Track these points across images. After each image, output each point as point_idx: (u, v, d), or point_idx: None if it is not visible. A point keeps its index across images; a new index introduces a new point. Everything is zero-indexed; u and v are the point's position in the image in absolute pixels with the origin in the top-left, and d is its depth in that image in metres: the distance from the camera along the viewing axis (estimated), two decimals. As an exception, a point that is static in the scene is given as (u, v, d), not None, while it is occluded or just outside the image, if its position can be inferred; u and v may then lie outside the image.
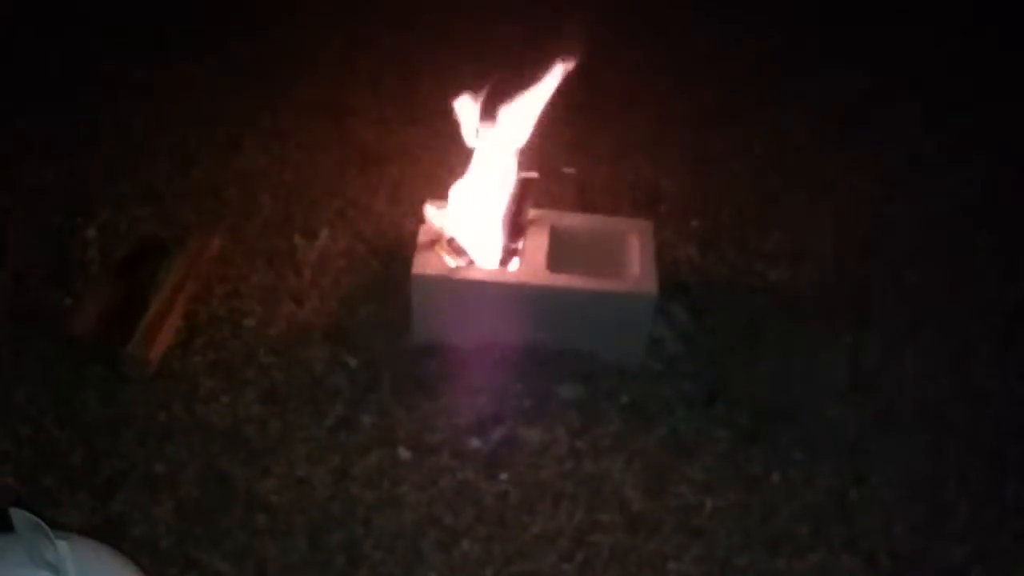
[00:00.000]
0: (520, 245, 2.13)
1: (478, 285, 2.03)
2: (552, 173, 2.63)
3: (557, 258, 2.13)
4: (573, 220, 2.22)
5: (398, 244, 2.36)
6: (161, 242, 2.30)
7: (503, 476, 1.93)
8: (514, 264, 2.12)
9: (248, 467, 1.90)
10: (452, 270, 2.04)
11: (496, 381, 2.09)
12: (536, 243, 2.13)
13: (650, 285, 2.05)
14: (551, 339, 2.13)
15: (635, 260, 2.11)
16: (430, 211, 2.09)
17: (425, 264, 2.05)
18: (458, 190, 2.09)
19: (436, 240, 2.08)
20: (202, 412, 1.99)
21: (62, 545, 1.28)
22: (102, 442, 1.92)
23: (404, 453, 1.95)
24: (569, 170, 2.73)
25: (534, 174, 2.13)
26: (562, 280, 2.04)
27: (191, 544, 1.77)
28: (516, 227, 2.14)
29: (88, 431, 1.94)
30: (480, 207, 2.08)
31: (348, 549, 1.78)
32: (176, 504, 1.83)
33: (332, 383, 2.07)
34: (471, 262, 2.07)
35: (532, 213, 2.18)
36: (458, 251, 2.07)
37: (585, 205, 2.58)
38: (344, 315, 2.22)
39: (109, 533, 1.71)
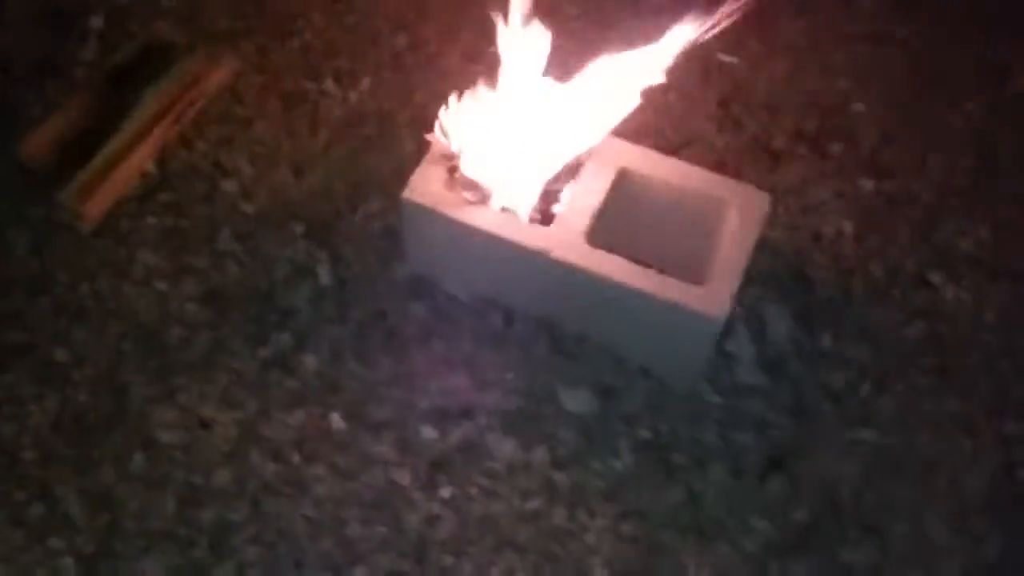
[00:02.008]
0: (564, 191, 1.51)
1: (482, 236, 1.45)
2: (700, 59, 1.90)
3: (611, 219, 1.49)
4: (655, 165, 1.52)
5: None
6: (168, 50, 1.84)
7: (444, 492, 1.46)
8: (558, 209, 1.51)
9: (152, 385, 1.54)
10: (454, 205, 1.47)
11: (486, 357, 1.57)
12: (588, 191, 1.49)
13: (721, 302, 1.39)
14: (575, 322, 1.56)
15: (722, 251, 1.44)
16: (447, 119, 1.47)
17: (422, 188, 1.48)
18: (486, 98, 1.46)
19: (448, 162, 1.49)
20: (129, 296, 1.62)
21: None
22: (10, 303, 1.61)
23: (337, 422, 1.51)
24: (728, 58, 1.97)
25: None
26: (600, 263, 1.42)
27: (54, 467, 1.47)
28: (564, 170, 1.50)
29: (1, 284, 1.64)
30: (516, 130, 1.45)
31: (218, 533, 1.42)
32: (58, 408, 1.52)
33: (290, 300, 1.62)
34: (486, 198, 1.48)
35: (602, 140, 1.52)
36: (470, 186, 1.48)
37: (719, 123, 1.85)
38: (341, 208, 1.72)
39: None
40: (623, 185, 1.50)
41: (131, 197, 1.72)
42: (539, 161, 1.46)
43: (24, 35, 1.90)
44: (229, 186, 1.74)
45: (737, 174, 1.77)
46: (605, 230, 1.48)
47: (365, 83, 1.88)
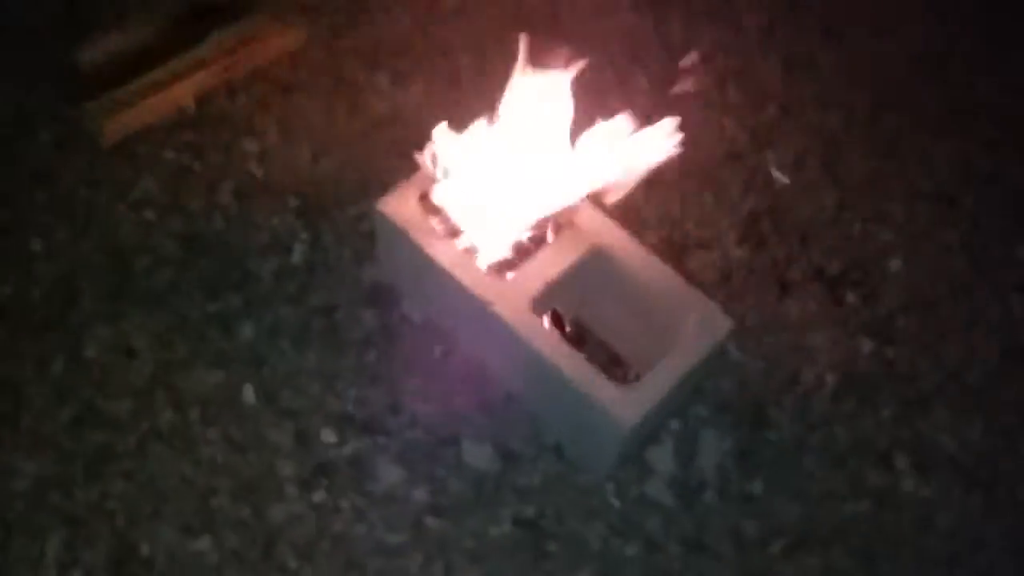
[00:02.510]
0: (538, 244, 1.48)
1: (435, 268, 1.43)
2: (751, 165, 1.84)
3: (570, 290, 1.46)
4: (631, 253, 1.47)
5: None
6: (251, 2, 1.91)
7: (317, 497, 1.45)
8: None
9: (101, 301, 1.59)
10: (421, 227, 1.46)
11: (411, 382, 1.55)
12: (555, 256, 1.45)
13: (635, 409, 1.32)
14: (507, 378, 1.52)
15: (664, 360, 1.38)
16: (439, 144, 1.46)
17: (397, 203, 1.48)
18: (479, 133, 1.45)
19: (429, 185, 1.48)
20: (118, 214, 1.68)
21: None
22: (9, 184, 1.70)
23: (248, 395, 1.53)
24: (780, 175, 1.89)
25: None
26: (533, 331, 1.38)
27: (-20, 344, 1.54)
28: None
29: (11, 163, 1.73)
30: (502, 171, 1.44)
31: (97, 457, 1.45)
32: (10, 292, 1.59)
33: (256, 266, 1.65)
34: (455, 231, 1.47)
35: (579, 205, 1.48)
36: (440, 216, 1.47)
37: (743, 235, 1.78)
38: (341, 198, 1.73)
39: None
40: (591, 261, 1.46)
41: (159, 127, 1.79)
42: (512, 212, 1.43)
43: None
44: (249, 145, 1.79)
45: (740, 292, 1.71)
46: (560, 299, 1.45)
47: (416, 88, 1.90)
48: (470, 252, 1.46)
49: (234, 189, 1.74)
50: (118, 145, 1.75)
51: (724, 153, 1.90)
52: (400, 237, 1.46)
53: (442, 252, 1.44)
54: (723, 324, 1.41)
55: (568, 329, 1.60)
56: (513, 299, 1.40)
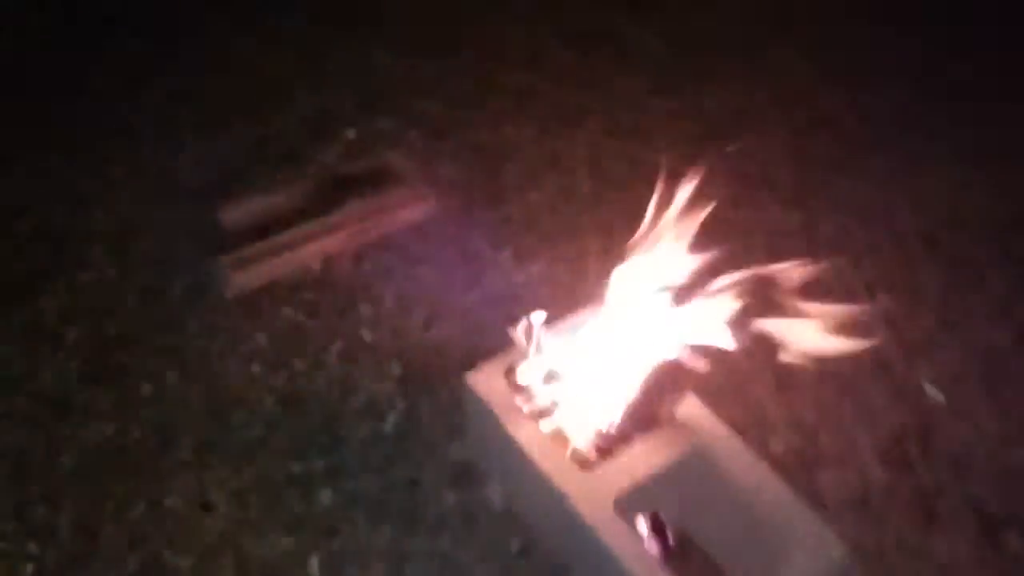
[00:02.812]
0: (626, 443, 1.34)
1: (516, 449, 1.32)
2: (900, 377, 1.65)
3: (665, 490, 1.30)
4: (737, 460, 1.30)
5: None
6: (390, 177, 1.98)
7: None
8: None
9: (194, 452, 1.58)
10: (506, 404, 1.36)
11: (484, 573, 1.41)
12: (646, 451, 1.31)
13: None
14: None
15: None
16: (535, 325, 1.39)
17: (487, 378, 1.40)
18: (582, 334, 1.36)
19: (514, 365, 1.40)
20: (227, 365, 1.70)
21: None
22: (132, 327, 1.76)
23: (312, 570, 1.43)
24: (935, 392, 1.67)
25: (696, 364, 1.28)
26: (613, 535, 1.23)
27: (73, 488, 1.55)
28: (641, 418, 1.34)
29: (144, 309, 1.80)
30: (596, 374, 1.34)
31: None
32: (111, 433, 1.60)
33: (347, 431, 1.59)
34: (543, 413, 1.36)
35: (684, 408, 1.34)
36: (526, 395, 1.37)
37: (884, 454, 1.56)
38: (444, 369, 1.67)
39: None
40: (691, 462, 1.30)
41: (284, 284, 1.83)
42: (601, 396, 1.32)
43: (288, 126, 2.15)
44: (365, 310, 1.79)
45: (879, 515, 1.49)
46: (656, 502, 1.29)
47: (537, 267, 1.87)
48: (557, 439, 1.34)
49: (341, 351, 1.72)
50: (242, 299, 1.80)
51: (871, 361, 1.71)
52: (484, 412, 1.37)
53: (524, 433, 1.33)
54: (836, 553, 1.20)
55: (671, 541, 1.43)
56: (595, 494, 1.26)
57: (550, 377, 1.35)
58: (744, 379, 1.67)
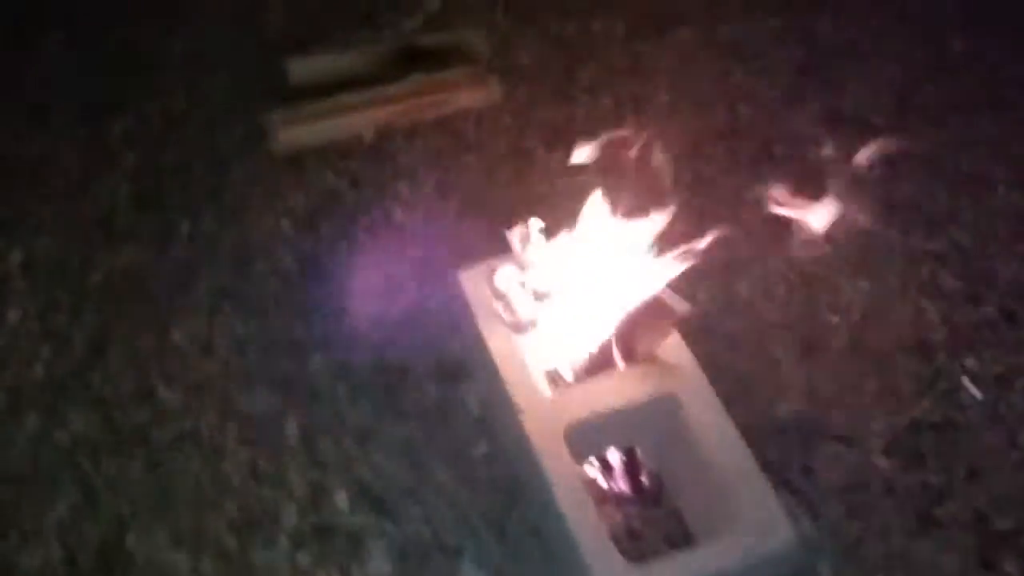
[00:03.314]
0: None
1: (487, 354, 1.30)
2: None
3: (629, 430, 1.25)
4: (701, 406, 1.23)
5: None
6: (463, 55, 1.91)
7: (302, 558, 1.35)
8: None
9: (209, 296, 1.63)
10: (487, 307, 1.33)
11: (443, 470, 1.41)
12: (612, 386, 1.26)
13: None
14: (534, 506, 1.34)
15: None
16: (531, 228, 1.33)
17: (479, 276, 1.37)
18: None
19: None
20: (262, 219, 1.73)
21: None
22: (192, 167, 1.81)
23: (290, 431, 1.47)
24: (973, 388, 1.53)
25: (680, 306, 1.20)
26: (553, 463, 1.19)
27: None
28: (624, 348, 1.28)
29: (201, 146, 1.84)
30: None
31: (90, 471, 1.47)
32: (140, 262, 1.68)
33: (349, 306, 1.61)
34: (519, 326, 1.32)
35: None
36: (503, 301, 1.33)
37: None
38: (463, 263, 1.65)
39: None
40: (660, 407, 1.24)
41: (334, 149, 1.82)
42: (580, 326, 1.27)
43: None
44: (403, 189, 1.78)
45: (869, 506, 1.40)
46: (617, 439, 1.25)
47: (585, 176, 1.79)
48: (533, 355, 1.31)
49: (370, 225, 1.72)
50: (291, 155, 1.81)
51: (912, 341, 1.58)
52: (469, 313, 1.34)
53: (498, 341, 1.30)
54: (781, 536, 1.13)
55: (644, 481, 1.39)
56: (550, 418, 1.23)
57: (534, 291, 1.31)
58: (767, 334, 1.58)
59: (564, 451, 1.21)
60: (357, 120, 1.82)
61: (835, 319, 1.61)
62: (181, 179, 1.79)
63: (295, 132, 1.79)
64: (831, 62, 1.98)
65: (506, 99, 1.90)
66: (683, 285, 1.62)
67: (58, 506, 1.40)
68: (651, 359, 1.29)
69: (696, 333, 1.56)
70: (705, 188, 1.77)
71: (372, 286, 1.64)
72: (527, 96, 1.91)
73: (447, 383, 1.51)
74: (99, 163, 1.81)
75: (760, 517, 1.14)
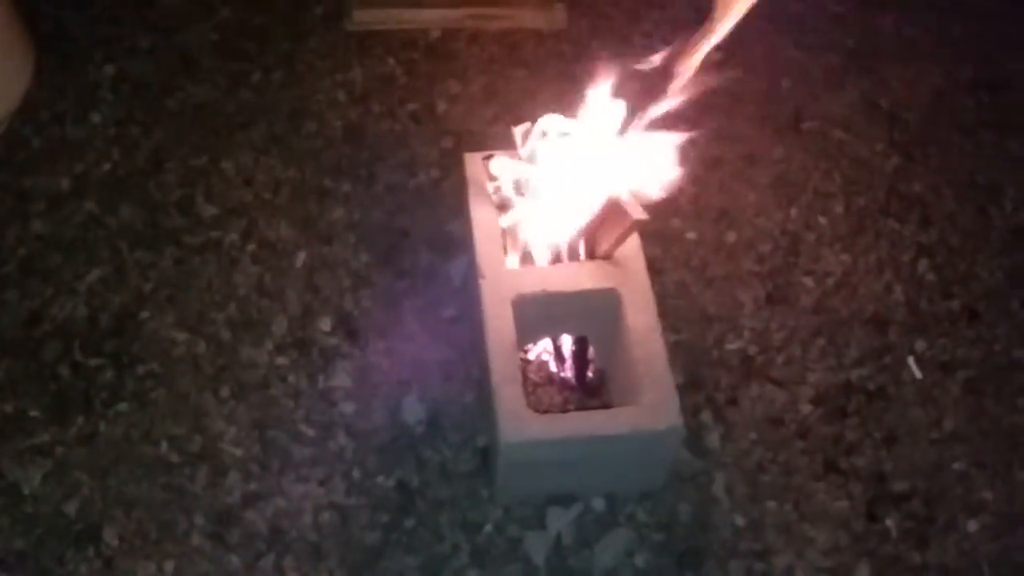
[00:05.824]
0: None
1: (470, 225, 1.47)
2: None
3: (572, 317, 1.42)
4: (637, 306, 1.38)
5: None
6: None
7: (280, 361, 1.57)
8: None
9: (264, 141, 1.85)
10: (480, 187, 1.50)
11: (411, 323, 1.60)
12: (568, 273, 1.42)
13: (517, 437, 1.26)
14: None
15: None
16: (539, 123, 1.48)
17: (481, 161, 1.53)
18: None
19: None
20: (321, 85, 1.93)
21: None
22: (274, 33, 2.02)
23: (299, 262, 1.69)
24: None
25: (636, 212, 1.34)
26: (495, 322, 1.37)
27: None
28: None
29: (286, 18, 2.04)
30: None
31: (125, 252, 1.71)
32: (213, 99, 1.91)
33: (387, 176, 1.80)
34: (504, 203, 1.49)
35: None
36: (495, 184, 1.50)
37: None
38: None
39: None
40: (601, 301, 1.40)
41: (401, 37, 2.01)
42: (555, 218, 1.43)
43: None
44: (452, 86, 1.94)
45: (778, 442, 1.53)
46: (564, 325, 1.43)
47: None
48: (509, 233, 1.47)
49: (414, 111, 1.91)
50: (361, 35, 2.01)
51: (871, 311, 1.68)
52: (465, 189, 1.52)
53: (481, 214, 1.47)
54: (671, 420, 1.28)
55: (590, 371, 1.55)
56: (504, 288, 1.40)
57: (520, 180, 1.47)
58: (741, 280, 1.71)
59: (508, 315, 1.38)
60: (427, 16, 2.00)
61: (808, 282, 1.72)
62: (262, 39, 2.00)
63: (369, 14, 1.98)
64: (882, 56, 2.06)
65: (569, 27, 2.04)
66: (679, 223, 1.79)
67: (91, 275, 1.65)
68: (610, 258, 1.44)
69: (677, 266, 1.72)
70: (726, 142, 1.89)
71: (400, 161, 1.83)
72: (589, 29, 2.06)
73: (440, 253, 1.70)
74: (198, 11, 2.04)
75: (655, 400, 1.29)
